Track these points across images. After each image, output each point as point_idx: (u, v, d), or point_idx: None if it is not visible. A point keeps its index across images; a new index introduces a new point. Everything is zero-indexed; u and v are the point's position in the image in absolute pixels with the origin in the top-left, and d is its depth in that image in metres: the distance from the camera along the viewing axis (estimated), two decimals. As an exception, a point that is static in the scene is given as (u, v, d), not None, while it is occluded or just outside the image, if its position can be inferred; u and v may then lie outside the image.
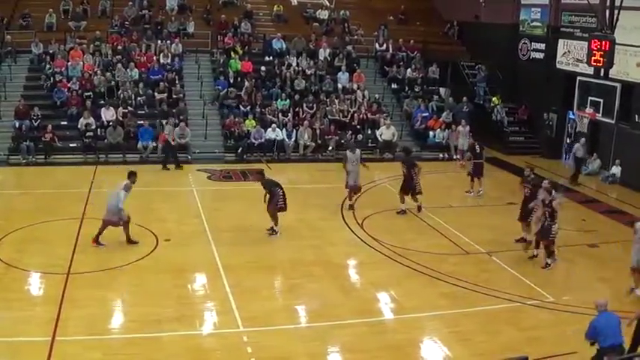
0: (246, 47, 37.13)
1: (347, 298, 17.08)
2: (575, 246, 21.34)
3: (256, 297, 16.59)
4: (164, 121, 30.69)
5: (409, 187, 23.70)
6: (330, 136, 32.87)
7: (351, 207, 23.95)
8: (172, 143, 29.61)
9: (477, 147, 27.18)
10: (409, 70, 37.98)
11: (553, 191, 19.55)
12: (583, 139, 29.79)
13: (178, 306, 15.84)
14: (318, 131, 32.69)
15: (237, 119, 32.20)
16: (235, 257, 19.04)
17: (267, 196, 20.87)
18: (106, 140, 30.11)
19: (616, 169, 29.99)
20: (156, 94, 33.01)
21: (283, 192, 21.03)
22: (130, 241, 19.70)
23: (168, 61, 35.11)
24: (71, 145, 30.39)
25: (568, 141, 34.46)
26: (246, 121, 32.35)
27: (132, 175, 20.15)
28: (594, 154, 31.20)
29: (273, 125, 32.06)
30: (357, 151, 24.65)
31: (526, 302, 17.10)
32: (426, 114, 35.36)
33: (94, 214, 21.86)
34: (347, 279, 18.94)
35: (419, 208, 23.87)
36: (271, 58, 36.99)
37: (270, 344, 14.34)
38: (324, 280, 18.05)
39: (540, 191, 19.42)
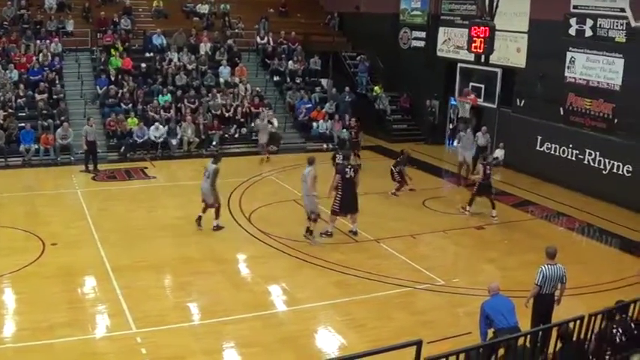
0: (127, 44, 36.56)
1: (239, 292, 17.05)
2: (462, 229, 21.97)
3: (147, 297, 16.39)
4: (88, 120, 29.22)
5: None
6: (213, 131, 32.76)
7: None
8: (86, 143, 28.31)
9: None
10: (291, 62, 38.21)
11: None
12: (485, 127, 29.67)
13: (69, 311, 15.50)
14: (201, 126, 32.50)
15: (119, 118, 31.70)
16: (124, 258, 18.71)
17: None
18: (-13, 144, 29.18)
19: (499, 152, 30.56)
20: (36, 95, 32.13)
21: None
22: None
23: (48, 60, 34.19)
24: (-48, 151, 29.30)
25: (450, 127, 35.25)
26: (129, 120, 31.86)
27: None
28: (501, 144, 30.71)
29: (157, 124, 31.66)
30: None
31: (417, 287, 17.43)
32: (309, 105, 35.62)
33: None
34: (238, 274, 18.92)
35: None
36: (152, 54, 36.58)
37: (164, 343, 14.19)
38: (215, 276, 17.96)
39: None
